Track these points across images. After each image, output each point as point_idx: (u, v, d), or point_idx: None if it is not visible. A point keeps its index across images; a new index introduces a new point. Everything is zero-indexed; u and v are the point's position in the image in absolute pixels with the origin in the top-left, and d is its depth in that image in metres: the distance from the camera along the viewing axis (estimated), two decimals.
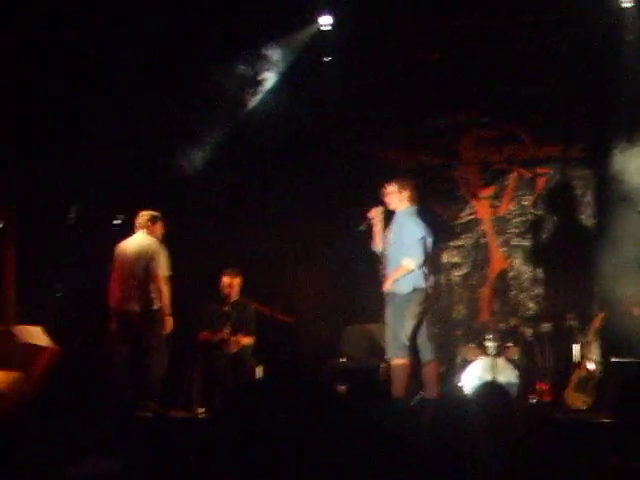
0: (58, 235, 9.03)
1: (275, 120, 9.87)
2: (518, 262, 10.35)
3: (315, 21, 10.06)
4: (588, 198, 10.20)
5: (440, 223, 10.35)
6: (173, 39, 9.30)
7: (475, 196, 10.64)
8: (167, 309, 8.28)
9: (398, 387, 7.52)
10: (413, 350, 7.75)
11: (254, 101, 10.16)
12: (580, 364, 8.90)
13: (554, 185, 10.37)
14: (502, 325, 10.03)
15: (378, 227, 7.97)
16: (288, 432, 1.81)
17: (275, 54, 9.99)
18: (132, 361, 8.30)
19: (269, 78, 10.16)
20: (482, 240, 10.54)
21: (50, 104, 8.94)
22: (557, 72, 10.07)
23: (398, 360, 7.68)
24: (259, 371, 9.06)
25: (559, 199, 10.31)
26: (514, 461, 2.78)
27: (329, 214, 10.13)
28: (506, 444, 2.98)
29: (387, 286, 7.72)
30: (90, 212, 8.93)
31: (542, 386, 9.03)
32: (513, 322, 9.90)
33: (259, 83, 10.15)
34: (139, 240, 8.40)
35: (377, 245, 8.00)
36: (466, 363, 9.26)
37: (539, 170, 10.40)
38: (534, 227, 10.35)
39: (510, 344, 9.35)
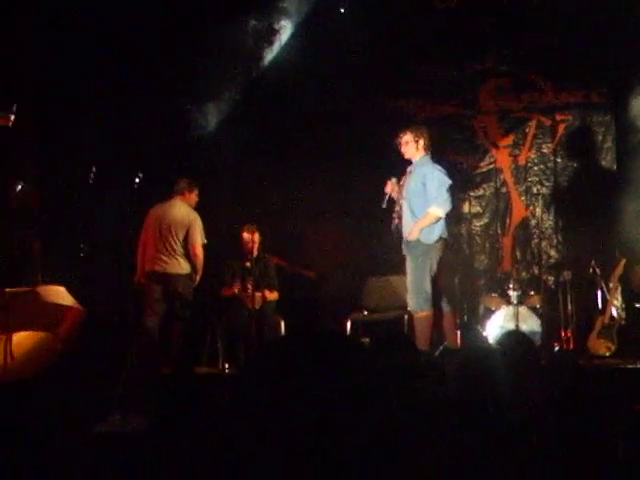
0: (80, 195, 9.04)
1: (292, 72, 9.82)
2: (539, 210, 10.28)
3: None
4: (608, 144, 10.11)
5: (460, 173, 10.31)
6: None
7: (494, 145, 10.58)
8: (199, 275, 8.48)
9: (422, 339, 7.51)
10: (435, 300, 7.73)
11: (270, 54, 10.09)
12: (603, 311, 8.89)
13: (574, 132, 10.29)
14: (524, 274, 10.03)
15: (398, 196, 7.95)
16: (313, 387, 1.81)
17: (291, 5, 9.90)
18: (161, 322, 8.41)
19: (285, 30, 10.08)
20: (502, 189, 10.50)
21: (67, 65, 8.92)
22: (574, 17, 9.92)
23: (422, 312, 7.65)
24: (282, 326, 9.11)
25: (579, 146, 10.24)
26: (539, 408, 2.78)
27: (348, 166, 10.08)
28: (531, 392, 2.98)
29: (413, 235, 7.65)
30: (110, 172, 8.93)
31: (565, 334, 9.03)
32: (535, 271, 9.90)
33: (275, 35, 10.07)
34: (177, 206, 8.56)
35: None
36: (489, 312, 9.28)
37: (558, 117, 10.32)
38: (554, 175, 10.28)
39: (532, 293, 9.36)
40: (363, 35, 9.90)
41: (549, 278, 9.89)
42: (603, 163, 10.13)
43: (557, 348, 8.85)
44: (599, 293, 9.08)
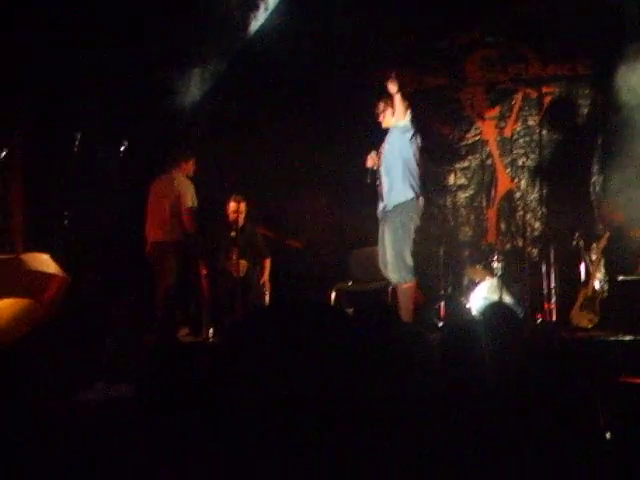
0: (64, 163, 9.00)
1: (277, 42, 9.76)
2: (524, 183, 10.33)
3: None
4: (594, 116, 10.13)
5: (446, 145, 10.32)
6: None
7: (481, 117, 10.58)
8: (193, 239, 8.85)
9: (406, 310, 7.48)
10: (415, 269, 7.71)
11: (255, 23, 10.03)
12: (586, 283, 8.95)
13: (560, 104, 10.28)
14: (508, 246, 10.07)
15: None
16: (296, 357, 1.83)
17: None
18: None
19: (270, 1, 10.02)
20: (488, 161, 10.51)
21: (50, 31, 8.84)
22: None
23: (406, 284, 7.64)
24: (267, 295, 9.13)
25: (565, 118, 10.24)
26: (521, 380, 2.81)
27: (333, 138, 10.07)
28: (513, 363, 3.01)
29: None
30: (95, 140, 8.88)
31: (548, 306, 9.08)
32: (519, 243, 9.94)
33: (260, 5, 10.00)
34: (172, 179, 8.93)
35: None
36: (473, 284, 9.31)
37: (545, 89, 10.31)
38: (540, 147, 10.29)
39: (517, 264, 9.40)
40: (349, 5, 9.85)
41: (533, 250, 9.93)
42: (588, 136, 10.14)
43: (540, 320, 8.90)
44: (582, 265, 9.12)
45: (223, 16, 9.66)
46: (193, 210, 8.78)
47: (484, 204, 10.46)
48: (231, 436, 1.82)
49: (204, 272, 9.00)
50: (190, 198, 8.79)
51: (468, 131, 10.60)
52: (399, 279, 7.64)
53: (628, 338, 7.14)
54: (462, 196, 10.56)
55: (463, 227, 10.56)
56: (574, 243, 9.30)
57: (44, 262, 7.23)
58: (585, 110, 10.17)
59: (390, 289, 8.43)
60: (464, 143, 10.58)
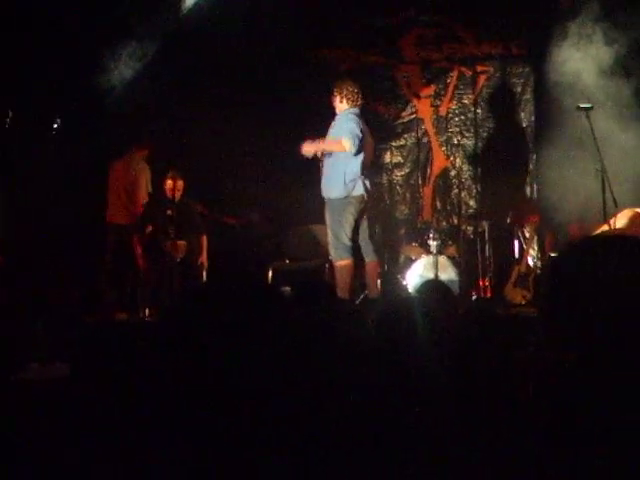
0: None
1: (211, 21, 9.67)
2: (459, 161, 10.43)
3: None
4: (527, 95, 10.26)
5: (382, 123, 10.35)
6: None
7: (416, 95, 10.63)
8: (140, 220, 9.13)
9: (343, 288, 7.61)
10: (355, 250, 7.84)
11: (189, 4, 9.90)
12: (520, 260, 9.08)
13: (494, 83, 10.40)
14: (444, 224, 10.16)
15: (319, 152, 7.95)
16: (234, 335, 1.83)
17: None
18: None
19: None
20: (424, 139, 10.57)
21: None
22: None
23: (341, 261, 7.77)
24: (205, 274, 9.09)
25: (499, 97, 10.36)
26: (455, 356, 2.85)
27: (270, 116, 10.04)
28: (447, 339, 3.05)
29: (308, 149, 7.79)
30: (27, 117, 8.74)
31: (483, 283, 9.19)
32: (455, 220, 10.04)
33: None
34: (128, 161, 9.22)
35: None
36: (409, 262, 9.38)
37: (479, 68, 10.41)
38: (475, 126, 10.39)
39: (451, 242, 9.50)
40: None
41: (468, 228, 10.03)
42: (522, 115, 10.28)
43: (475, 297, 9.02)
44: (516, 243, 9.26)
45: None
46: (147, 194, 9.12)
47: (420, 182, 10.53)
48: (168, 415, 1.82)
49: (139, 250, 8.93)
50: (145, 182, 9.13)
51: (404, 109, 10.65)
52: (335, 257, 7.80)
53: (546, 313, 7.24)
54: (398, 174, 10.63)
55: (399, 205, 10.62)
56: (508, 221, 9.44)
57: None
58: (519, 89, 10.30)
59: (327, 267, 8.49)
60: (400, 121, 10.64)
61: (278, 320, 1.92)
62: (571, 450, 1.80)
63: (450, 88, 10.50)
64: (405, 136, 10.63)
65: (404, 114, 10.64)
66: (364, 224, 7.93)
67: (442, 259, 9.03)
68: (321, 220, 8.32)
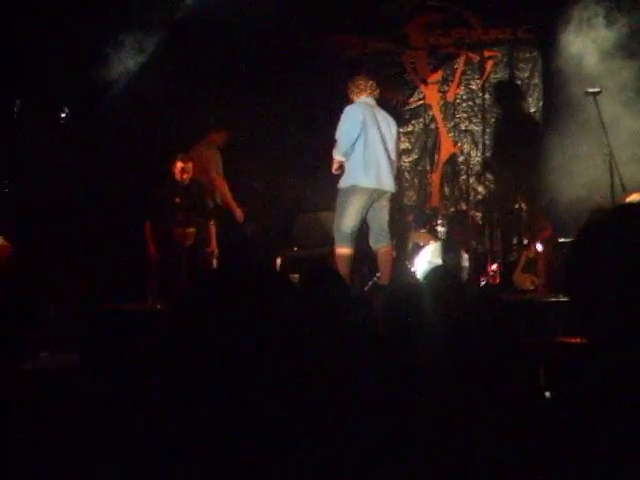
0: (3, 131, 8.86)
1: (218, 9, 9.65)
2: (467, 147, 10.41)
3: None
4: (535, 80, 10.23)
5: (389, 109, 10.33)
6: None
7: (423, 81, 10.62)
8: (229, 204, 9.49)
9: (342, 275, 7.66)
10: (357, 239, 7.88)
11: None
12: (528, 246, 9.07)
13: (502, 68, 10.37)
14: (452, 210, 10.16)
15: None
16: (244, 322, 1.84)
17: None
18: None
19: None
20: (431, 125, 10.57)
21: None
22: None
23: (339, 249, 7.83)
24: (215, 262, 9.08)
25: (507, 82, 10.33)
26: (463, 343, 2.85)
27: (277, 103, 10.03)
28: (456, 325, 3.05)
29: (335, 167, 7.89)
30: (35, 107, 8.74)
31: (492, 268, 9.19)
32: (463, 206, 10.03)
33: None
34: (200, 145, 9.54)
35: None
36: (417, 248, 9.38)
37: (487, 53, 10.38)
38: (482, 111, 10.37)
39: (460, 228, 9.49)
40: None
41: (476, 214, 10.03)
42: (530, 100, 10.25)
43: (483, 283, 9.01)
44: (524, 228, 9.26)
45: None
46: (219, 179, 9.40)
47: (428, 168, 10.53)
48: (177, 403, 1.83)
49: (151, 237, 8.90)
50: (214, 168, 9.37)
51: (411, 95, 10.65)
52: (335, 243, 7.89)
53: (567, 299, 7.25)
54: (406, 160, 10.62)
55: (407, 191, 10.62)
56: (516, 206, 9.42)
57: None
58: (527, 74, 10.27)
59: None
60: (407, 107, 10.63)
61: (286, 307, 1.93)
62: (582, 438, 1.80)
63: (457, 74, 10.48)
64: (413, 122, 10.62)
65: (412, 100, 10.64)
66: (381, 214, 7.94)
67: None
68: (329, 207, 8.35)
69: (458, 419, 2.38)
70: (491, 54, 10.37)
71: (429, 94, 10.58)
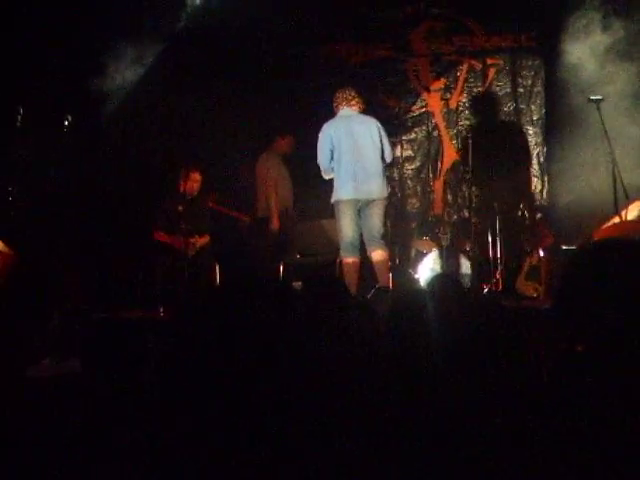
0: (7, 138, 8.87)
1: (222, 16, 9.67)
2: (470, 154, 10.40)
3: None
4: (538, 88, 10.23)
5: (392, 117, 10.35)
6: None
7: (426, 89, 10.62)
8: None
9: (348, 284, 7.67)
10: (360, 248, 7.97)
11: (195, 3, 9.91)
12: (531, 253, 9.06)
13: (504, 76, 10.37)
14: (455, 217, 10.15)
15: None
16: (247, 330, 1.84)
17: None
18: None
19: None
20: (434, 133, 10.57)
21: None
22: None
23: (344, 259, 7.97)
24: (217, 271, 9.07)
25: (509, 90, 10.33)
26: (466, 349, 2.85)
27: (279, 112, 10.03)
28: (459, 333, 3.05)
29: None
30: (38, 114, 8.76)
31: (494, 276, 9.18)
32: (466, 214, 10.02)
33: None
34: (262, 156, 9.68)
35: None
36: (421, 255, 9.38)
37: (489, 61, 10.39)
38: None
39: (463, 235, 9.48)
40: None
41: (479, 221, 10.01)
42: (532, 107, 10.25)
43: (486, 290, 9.00)
44: (528, 235, 9.25)
45: None
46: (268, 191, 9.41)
47: (430, 176, 10.53)
48: (180, 411, 1.83)
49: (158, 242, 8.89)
50: (269, 179, 9.41)
51: (414, 103, 10.64)
52: (340, 253, 8.07)
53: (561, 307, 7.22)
54: (409, 168, 10.62)
55: (410, 199, 10.62)
56: (519, 213, 9.42)
57: None
58: (529, 81, 10.27)
59: (338, 262, 8.51)
60: (410, 115, 10.62)
61: (290, 315, 1.93)
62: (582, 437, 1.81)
63: (460, 81, 10.49)
64: (415, 130, 10.62)
65: (414, 108, 10.64)
66: (369, 221, 7.96)
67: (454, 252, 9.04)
68: (331, 215, 8.38)
69: (462, 424, 2.38)
70: (493, 62, 10.38)
71: (432, 101, 10.58)
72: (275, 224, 9.36)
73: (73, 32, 9.17)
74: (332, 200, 7.95)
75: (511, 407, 2.55)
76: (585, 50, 9.10)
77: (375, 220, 7.99)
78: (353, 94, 8.08)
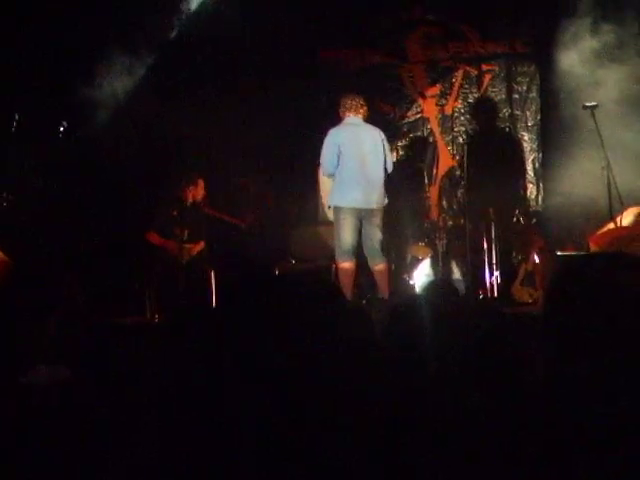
0: (2, 144, 8.86)
1: (221, 23, 9.67)
2: (465, 160, 10.39)
3: None
4: (533, 94, 10.24)
5: (387, 123, 10.35)
6: None
7: (422, 95, 10.62)
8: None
9: (343, 289, 7.71)
10: (357, 254, 8.01)
11: (189, 9, 9.92)
12: (527, 258, 9.06)
13: (500, 82, 10.38)
14: (451, 223, 10.14)
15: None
16: (243, 336, 1.84)
17: None
18: None
19: None
20: (429, 139, 10.57)
21: None
22: None
23: (340, 264, 8.06)
24: (212, 276, 9.06)
25: (505, 96, 10.34)
26: (462, 356, 2.85)
27: (277, 117, 10.03)
28: (454, 338, 3.05)
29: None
30: (33, 120, 8.75)
31: (490, 281, 9.18)
32: (461, 220, 10.02)
33: None
34: None
35: None
36: (416, 261, 9.37)
37: (484, 67, 10.40)
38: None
39: (458, 241, 9.48)
40: None
41: (474, 227, 10.00)
42: (528, 113, 10.26)
43: (482, 296, 9.00)
44: (523, 241, 9.25)
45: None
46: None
47: (426, 181, 10.52)
48: (175, 418, 1.82)
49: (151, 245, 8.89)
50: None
51: (409, 109, 10.65)
52: (336, 258, 8.16)
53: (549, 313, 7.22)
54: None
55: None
56: (514, 220, 9.42)
57: None
58: (524, 87, 10.28)
59: (334, 267, 8.52)
60: (405, 121, 10.63)
61: (286, 319, 1.93)
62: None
63: (455, 87, 10.49)
64: (411, 135, 10.62)
65: (410, 113, 10.64)
66: (370, 232, 8.02)
67: (449, 258, 9.04)
68: (327, 220, 8.40)
69: (458, 430, 2.37)
70: (489, 68, 10.39)
71: (427, 107, 10.59)
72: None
73: (67, 39, 9.16)
74: (331, 203, 7.96)
75: (507, 413, 2.54)
76: (580, 57, 9.11)
77: (376, 231, 8.07)
78: (362, 102, 8.16)
